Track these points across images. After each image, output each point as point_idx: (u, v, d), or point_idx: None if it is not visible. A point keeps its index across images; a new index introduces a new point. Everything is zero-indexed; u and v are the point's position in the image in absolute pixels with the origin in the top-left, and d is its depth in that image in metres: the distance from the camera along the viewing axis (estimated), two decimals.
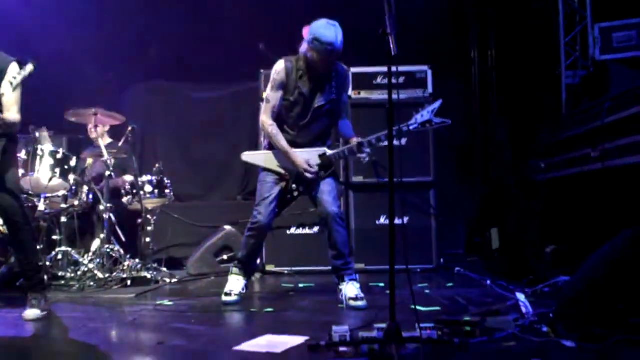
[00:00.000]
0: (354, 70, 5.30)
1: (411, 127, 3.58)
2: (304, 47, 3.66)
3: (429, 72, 5.37)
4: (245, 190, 6.35)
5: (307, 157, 3.72)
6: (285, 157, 3.74)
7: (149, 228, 5.02)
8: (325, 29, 3.54)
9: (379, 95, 5.40)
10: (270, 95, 3.76)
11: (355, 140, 3.67)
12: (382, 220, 5.29)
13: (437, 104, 3.55)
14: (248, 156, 3.89)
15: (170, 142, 6.56)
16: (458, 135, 6.18)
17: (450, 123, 3.55)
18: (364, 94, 5.44)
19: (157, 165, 5.16)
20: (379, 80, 5.43)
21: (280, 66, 3.74)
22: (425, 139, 5.31)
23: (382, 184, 5.16)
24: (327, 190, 3.71)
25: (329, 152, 3.76)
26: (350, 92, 5.30)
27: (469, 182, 6.34)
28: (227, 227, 5.47)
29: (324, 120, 3.79)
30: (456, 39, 6.43)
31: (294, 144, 3.77)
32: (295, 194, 3.79)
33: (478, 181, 6.31)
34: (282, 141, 3.72)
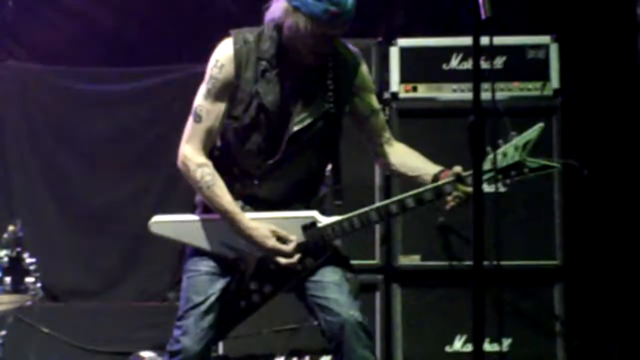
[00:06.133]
0: (402, 43, 5.45)
1: (483, 178, 3.65)
2: (276, 11, 3.73)
3: (553, 48, 5.49)
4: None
5: (275, 228, 3.78)
6: (231, 227, 3.79)
7: None
8: None
9: (453, 94, 5.52)
10: (204, 108, 3.83)
11: (454, 172, 3.74)
12: (458, 344, 5.34)
13: (533, 132, 3.68)
14: (163, 226, 3.94)
15: (39, 182, 6.61)
16: (611, 180, 6.22)
17: (559, 168, 3.80)
18: (423, 91, 5.52)
19: (11, 228, 5.16)
20: (452, 63, 5.52)
21: (226, 50, 3.81)
22: (545, 184, 5.36)
23: (460, 268, 5.24)
24: (332, 281, 3.79)
25: (323, 220, 3.80)
26: (397, 87, 5.50)
27: (632, 268, 6.30)
28: (147, 355, 5.42)
29: (313, 155, 3.89)
30: None
31: (253, 201, 3.84)
32: (257, 297, 3.82)
33: None
34: (222, 196, 3.76)
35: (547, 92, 5.42)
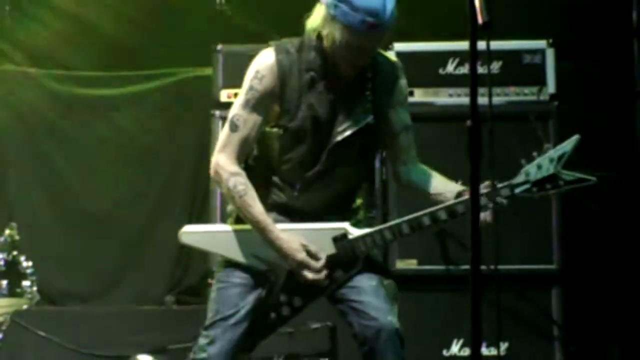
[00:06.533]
0: (399, 48, 5.43)
1: (517, 191, 3.69)
2: (317, 19, 3.72)
3: (549, 53, 5.51)
4: (181, 283, 6.40)
5: (305, 241, 3.73)
6: (261, 238, 3.75)
7: None
8: None
9: (450, 98, 5.55)
10: (241, 117, 3.79)
11: (487, 185, 3.66)
12: (455, 348, 5.34)
13: (568, 145, 3.67)
14: (193, 236, 3.91)
15: (36, 185, 6.61)
16: (608, 184, 5.88)
17: (595, 181, 3.66)
18: (419, 96, 5.53)
19: (7, 231, 5.22)
20: (449, 68, 5.53)
21: (267, 61, 3.78)
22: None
23: (457, 272, 5.26)
24: (369, 286, 3.77)
25: (354, 232, 3.77)
26: None
27: (630, 273, 6.26)
28: (144, 359, 5.47)
29: (351, 166, 3.87)
30: None
31: (288, 211, 3.83)
32: (286, 310, 3.79)
33: None
34: (253, 206, 3.74)
35: (544, 96, 5.44)
